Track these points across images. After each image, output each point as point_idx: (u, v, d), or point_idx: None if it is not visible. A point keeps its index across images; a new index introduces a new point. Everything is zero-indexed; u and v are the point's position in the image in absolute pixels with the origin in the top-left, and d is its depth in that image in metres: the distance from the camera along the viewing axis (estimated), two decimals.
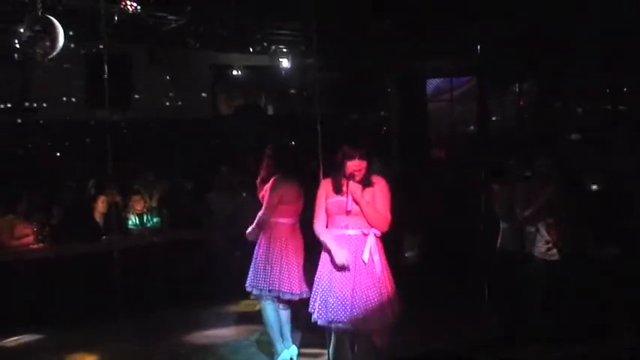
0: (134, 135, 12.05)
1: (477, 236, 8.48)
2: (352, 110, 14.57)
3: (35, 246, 8.54)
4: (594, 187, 6.23)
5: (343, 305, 5.13)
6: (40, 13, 7.76)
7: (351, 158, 5.23)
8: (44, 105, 11.96)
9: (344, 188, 5.23)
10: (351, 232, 5.22)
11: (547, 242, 6.29)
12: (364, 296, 5.13)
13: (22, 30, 7.99)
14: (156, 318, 8.25)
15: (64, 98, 12.05)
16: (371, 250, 5.19)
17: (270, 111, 15.59)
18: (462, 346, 6.86)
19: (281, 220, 6.27)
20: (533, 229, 6.43)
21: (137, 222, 9.44)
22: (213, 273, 8.93)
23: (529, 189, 6.51)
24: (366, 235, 5.20)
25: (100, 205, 9.14)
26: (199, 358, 6.98)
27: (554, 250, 6.25)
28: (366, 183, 5.28)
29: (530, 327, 6.53)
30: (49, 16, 7.78)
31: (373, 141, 14.23)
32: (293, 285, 6.19)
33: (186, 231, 9.45)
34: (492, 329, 7.16)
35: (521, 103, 12.89)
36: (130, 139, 11.57)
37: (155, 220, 9.56)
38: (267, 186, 6.28)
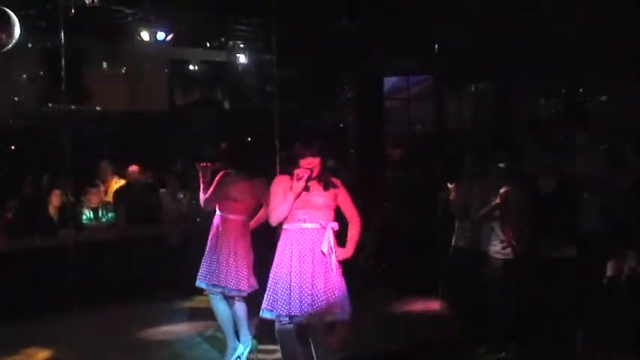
0: (89, 129, 11.91)
1: (432, 235, 8.58)
2: (309, 108, 14.58)
3: None
4: (549, 187, 6.30)
5: (302, 298, 5.14)
6: None
7: (304, 156, 5.26)
8: None
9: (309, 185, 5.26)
10: (309, 225, 5.26)
11: (502, 241, 6.37)
12: (324, 289, 5.17)
13: None
14: (110, 313, 8.20)
15: (20, 91, 11.86)
16: (329, 243, 5.24)
17: (227, 106, 15.52)
18: (413, 345, 6.94)
19: (231, 216, 6.25)
20: (488, 228, 6.51)
21: (92, 216, 9.36)
22: (167, 268, 8.91)
23: (484, 188, 6.57)
24: (324, 227, 5.25)
25: (55, 199, 9.04)
26: (153, 353, 6.95)
27: (509, 249, 6.35)
28: (325, 183, 5.35)
29: (483, 326, 6.63)
30: (5, 8, 7.68)
31: (328, 139, 14.29)
32: (240, 281, 6.18)
33: (141, 226, 9.41)
34: (445, 328, 7.25)
35: (478, 102, 13.03)
36: (86, 133, 11.42)
37: (110, 214, 9.48)
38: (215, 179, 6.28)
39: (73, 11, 8.87)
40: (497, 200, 6.30)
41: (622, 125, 9.76)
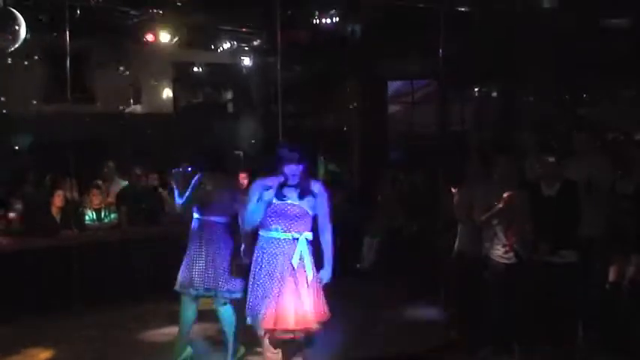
0: (94, 130, 11.93)
1: (435, 239, 8.57)
2: (313, 110, 14.61)
3: None
4: (551, 191, 6.29)
5: (269, 308, 5.01)
6: (1, 4, 7.69)
7: (288, 162, 5.05)
8: (2, 98, 11.80)
9: (285, 192, 5.08)
10: (280, 235, 5.07)
11: (504, 245, 6.36)
12: (293, 303, 4.99)
13: None
14: (111, 313, 8.21)
15: (25, 91, 11.90)
16: (301, 255, 5.06)
17: (230, 108, 15.57)
18: (417, 349, 6.95)
19: (212, 218, 6.23)
20: (490, 232, 6.50)
21: (94, 217, 9.38)
22: (169, 269, 8.90)
23: (487, 192, 6.56)
24: (295, 239, 5.06)
25: (57, 200, 9.06)
26: (155, 354, 6.94)
27: (511, 254, 6.34)
28: (303, 191, 5.12)
29: (485, 330, 6.63)
30: (11, 9, 7.72)
31: (331, 141, 14.33)
32: (229, 283, 6.17)
33: (144, 227, 9.43)
34: (448, 332, 7.25)
35: (482, 106, 13.04)
36: (90, 133, 11.44)
37: (113, 215, 9.49)
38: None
39: (78, 12, 8.94)
40: (501, 204, 6.29)
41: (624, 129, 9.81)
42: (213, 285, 6.16)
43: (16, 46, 7.85)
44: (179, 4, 9.98)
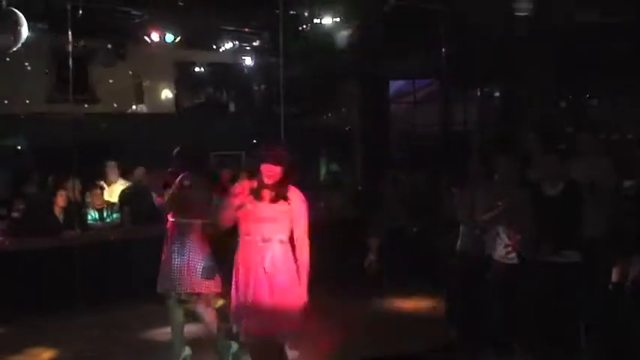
0: (96, 130, 11.93)
1: (436, 239, 8.58)
2: (315, 110, 14.61)
3: None
4: (554, 191, 6.27)
5: (239, 314, 4.93)
6: (4, 5, 7.70)
7: (264, 161, 4.83)
8: (5, 99, 11.79)
9: (263, 194, 4.88)
10: (252, 238, 4.87)
11: (506, 246, 6.35)
12: (269, 307, 4.80)
13: None
14: (113, 313, 8.22)
15: (27, 92, 11.90)
16: (273, 259, 4.83)
17: (232, 108, 15.56)
18: (417, 351, 6.95)
19: (193, 220, 6.23)
20: (492, 233, 6.50)
21: (97, 217, 9.39)
22: None
23: (489, 192, 6.56)
24: (266, 241, 4.85)
25: (60, 200, 9.08)
26: (157, 354, 6.94)
27: (513, 254, 6.33)
28: (277, 195, 4.87)
29: (487, 331, 6.62)
30: (13, 9, 7.73)
31: (332, 143, 14.35)
32: (212, 285, 6.23)
33: (146, 227, 9.42)
34: (448, 333, 7.25)
35: (484, 106, 13.03)
36: (92, 133, 11.45)
37: (115, 215, 9.51)
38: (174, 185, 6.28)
39: (80, 12, 8.95)
40: (503, 205, 6.28)
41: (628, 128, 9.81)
42: (190, 288, 6.18)
43: (18, 46, 7.86)
44: (181, 3, 9.99)
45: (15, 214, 9.03)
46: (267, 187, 4.86)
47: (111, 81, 12.59)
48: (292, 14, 10.06)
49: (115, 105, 12.91)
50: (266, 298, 4.81)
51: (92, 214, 9.38)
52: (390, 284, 9.34)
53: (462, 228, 7.10)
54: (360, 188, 12.48)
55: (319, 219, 10.07)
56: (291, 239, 4.95)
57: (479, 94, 12.98)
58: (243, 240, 4.93)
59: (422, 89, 14.20)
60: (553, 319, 6.08)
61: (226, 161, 12.12)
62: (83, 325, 7.82)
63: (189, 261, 6.16)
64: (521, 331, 6.31)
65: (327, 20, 10.42)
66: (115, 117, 12.78)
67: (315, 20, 10.33)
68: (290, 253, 4.93)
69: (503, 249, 6.38)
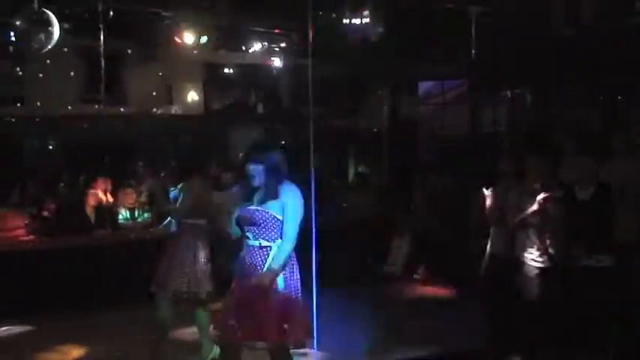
0: (127, 130, 12.01)
1: (466, 241, 8.52)
2: (344, 112, 14.59)
3: (26, 238, 8.54)
4: (586, 194, 6.19)
5: (229, 318, 4.79)
6: (36, 6, 7.76)
7: (249, 161, 4.77)
8: (37, 99, 11.91)
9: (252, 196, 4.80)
10: (251, 242, 4.78)
11: (538, 249, 6.29)
12: (264, 313, 4.65)
13: (17, 23, 7.97)
14: (145, 312, 8.25)
15: (58, 93, 12.00)
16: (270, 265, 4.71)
17: (260, 109, 15.60)
18: (448, 353, 6.91)
19: (200, 222, 6.30)
20: (523, 235, 6.44)
21: (128, 216, 9.46)
22: None
23: (520, 194, 6.50)
24: (264, 247, 4.74)
25: (91, 199, 9.15)
26: (185, 353, 6.97)
27: (545, 257, 6.27)
28: (266, 195, 4.74)
29: (518, 334, 6.56)
30: (46, 10, 7.79)
31: (360, 145, 14.31)
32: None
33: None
34: (480, 336, 7.20)
35: (514, 107, 12.91)
36: (123, 134, 11.54)
37: (146, 214, 9.57)
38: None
39: (111, 14, 9.01)
40: (535, 207, 6.22)
41: None
42: (186, 289, 6.26)
43: (50, 47, 7.92)
44: (210, 5, 10.03)
45: (45, 213, 9.12)
46: (258, 188, 4.78)
47: (141, 82, 12.67)
48: (321, 15, 10.04)
49: (145, 105, 12.97)
50: (258, 304, 4.65)
51: (123, 214, 9.45)
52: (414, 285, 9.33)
53: (492, 230, 7.03)
54: (386, 189, 12.43)
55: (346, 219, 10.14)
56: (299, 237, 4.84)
57: (509, 95, 12.85)
58: (243, 243, 4.87)
59: (451, 90, 14.11)
60: (585, 323, 6.02)
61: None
62: (113, 324, 7.86)
63: (191, 263, 6.24)
64: (553, 334, 6.24)
65: (357, 21, 10.39)
66: (145, 117, 12.85)
67: (345, 21, 10.29)
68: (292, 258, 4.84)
69: (534, 252, 6.31)
